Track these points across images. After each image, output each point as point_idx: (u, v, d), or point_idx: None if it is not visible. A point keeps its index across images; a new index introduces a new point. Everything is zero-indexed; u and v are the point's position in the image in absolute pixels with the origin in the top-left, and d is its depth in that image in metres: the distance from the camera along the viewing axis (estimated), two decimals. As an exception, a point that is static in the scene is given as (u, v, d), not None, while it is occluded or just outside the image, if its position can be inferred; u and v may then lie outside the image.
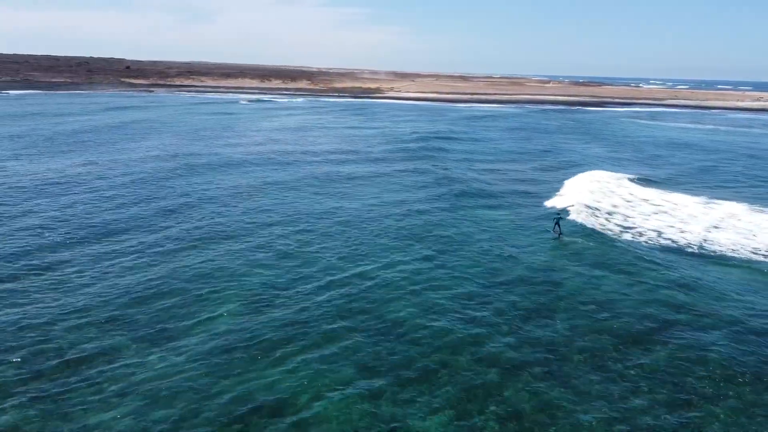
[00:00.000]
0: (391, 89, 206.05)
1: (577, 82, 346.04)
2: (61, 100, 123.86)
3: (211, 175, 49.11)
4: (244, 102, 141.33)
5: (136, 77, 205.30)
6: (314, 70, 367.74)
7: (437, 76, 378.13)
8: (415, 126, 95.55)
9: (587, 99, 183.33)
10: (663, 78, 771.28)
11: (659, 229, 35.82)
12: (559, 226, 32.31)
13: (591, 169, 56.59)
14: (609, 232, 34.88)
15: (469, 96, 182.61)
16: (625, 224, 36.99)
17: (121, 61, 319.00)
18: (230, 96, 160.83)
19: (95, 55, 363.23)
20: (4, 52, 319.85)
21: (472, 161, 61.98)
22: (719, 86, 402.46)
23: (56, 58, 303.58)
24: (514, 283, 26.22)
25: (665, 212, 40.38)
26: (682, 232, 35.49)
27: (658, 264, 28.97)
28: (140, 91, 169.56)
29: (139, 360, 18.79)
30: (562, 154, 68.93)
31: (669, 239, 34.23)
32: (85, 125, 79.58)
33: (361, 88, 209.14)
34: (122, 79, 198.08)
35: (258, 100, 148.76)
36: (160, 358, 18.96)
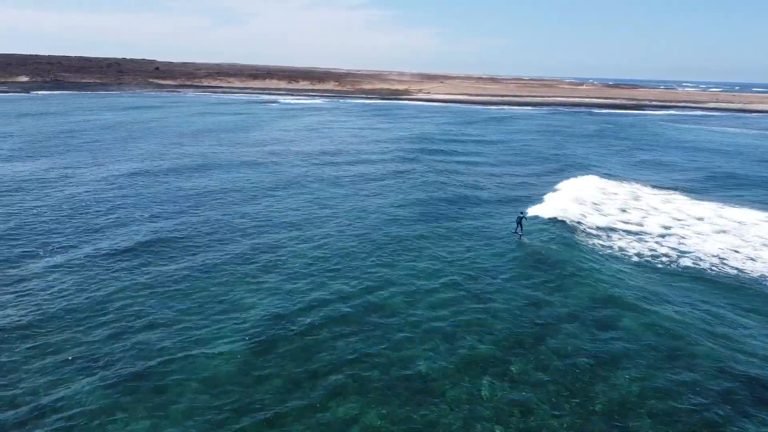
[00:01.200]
0: (420, 91, 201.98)
1: (608, 85, 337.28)
2: (82, 100, 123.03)
3: (187, 178, 46.89)
4: (265, 102, 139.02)
5: (164, 78, 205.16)
6: (342, 71, 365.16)
7: (466, 78, 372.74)
8: (442, 128, 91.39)
9: (624, 102, 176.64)
10: (695, 81, 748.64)
11: (720, 255, 31.42)
12: (521, 225, 31.26)
13: (635, 178, 52.05)
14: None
15: (500, 98, 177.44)
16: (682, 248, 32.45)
17: (152, 62, 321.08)
18: (254, 97, 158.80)
19: (129, 57, 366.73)
20: (41, 53, 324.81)
21: (504, 165, 57.72)
22: (754, 89, 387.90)
23: (89, 60, 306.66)
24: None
25: (725, 231, 35.70)
26: (752, 259, 30.88)
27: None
28: (167, 91, 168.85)
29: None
30: (606, 162, 64.24)
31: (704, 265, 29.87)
32: (84, 125, 78.63)
33: (388, 89, 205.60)
34: (150, 80, 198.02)
35: (276, 101, 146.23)
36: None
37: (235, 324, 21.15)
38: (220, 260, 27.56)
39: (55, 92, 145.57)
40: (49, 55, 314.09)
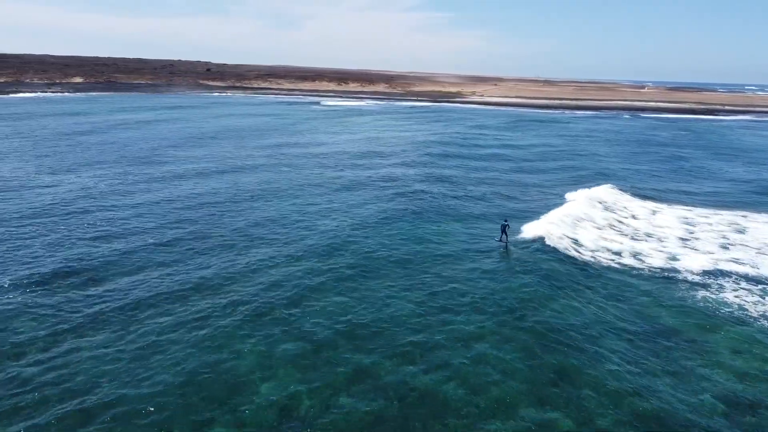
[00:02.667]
0: (473, 93, 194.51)
1: (670, 88, 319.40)
2: (124, 100, 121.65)
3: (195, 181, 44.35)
4: (307, 104, 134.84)
5: (213, 79, 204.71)
6: (394, 74, 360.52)
7: (520, 80, 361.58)
8: (498, 135, 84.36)
9: (693, 106, 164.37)
10: (761, 84, 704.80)
11: None
12: (506, 234, 29.38)
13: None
14: None
15: (558, 101, 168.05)
16: None
17: (206, 64, 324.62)
18: (299, 98, 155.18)
19: (185, 59, 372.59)
20: (108, 55, 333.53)
21: (579, 182, 50.53)
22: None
23: (145, 61, 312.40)
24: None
25: None
26: None
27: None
28: (215, 92, 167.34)
29: None
30: (700, 175, 56.32)
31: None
32: (94, 125, 76.71)
33: (440, 91, 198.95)
34: (200, 82, 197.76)
35: (319, 103, 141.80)
36: None
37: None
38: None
39: (105, 93, 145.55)
40: (108, 57, 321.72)
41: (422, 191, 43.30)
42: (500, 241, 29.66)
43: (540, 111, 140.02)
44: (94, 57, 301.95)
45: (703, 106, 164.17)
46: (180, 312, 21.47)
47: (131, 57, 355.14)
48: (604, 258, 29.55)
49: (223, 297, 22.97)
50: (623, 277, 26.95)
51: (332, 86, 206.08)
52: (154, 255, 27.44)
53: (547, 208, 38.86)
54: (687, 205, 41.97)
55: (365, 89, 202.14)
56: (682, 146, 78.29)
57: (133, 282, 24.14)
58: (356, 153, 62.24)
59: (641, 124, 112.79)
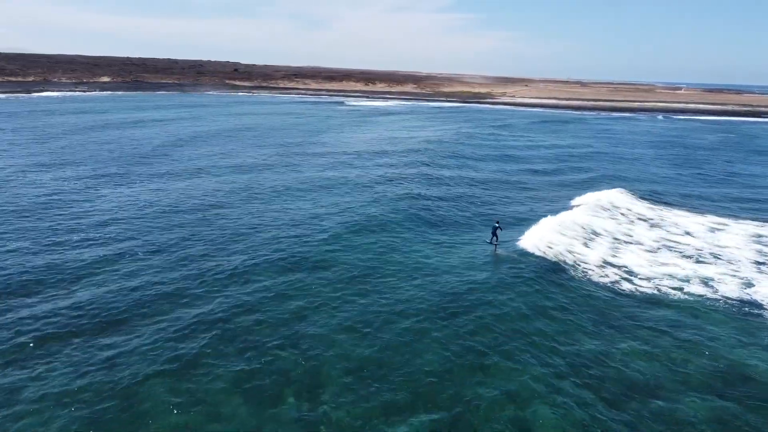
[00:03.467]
0: (503, 94, 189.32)
1: (708, 90, 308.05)
2: (145, 99, 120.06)
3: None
4: (331, 104, 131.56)
5: (240, 79, 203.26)
6: (422, 74, 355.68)
7: (551, 81, 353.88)
8: (530, 137, 79.72)
9: (736, 108, 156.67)
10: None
11: None
12: (496, 235, 28.27)
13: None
14: None
15: (593, 103, 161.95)
16: None
17: (235, 64, 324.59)
18: (325, 98, 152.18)
19: (215, 59, 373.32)
20: (140, 56, 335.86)
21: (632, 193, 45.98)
22: None
23: (175, 61, 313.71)
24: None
25: None
26: None
27: None
28: (241, 92, 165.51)
29: None
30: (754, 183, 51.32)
31: None
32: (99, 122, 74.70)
33: (470, 92, 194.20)
34: (227, 81, 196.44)
35: (343, 103, 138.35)
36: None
37: None
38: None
39: (130, 92, 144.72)
40: (138, 57, 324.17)
41: (433, 197, 39.75)
42: (490, 242, 28.49)
43: (574, 112, 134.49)
44: (124, 57, 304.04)
45: (746, 108, 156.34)
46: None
47: (161, 57, 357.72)
48: (612, 275, 25.93)
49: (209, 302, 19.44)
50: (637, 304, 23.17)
51: (359, 86, 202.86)
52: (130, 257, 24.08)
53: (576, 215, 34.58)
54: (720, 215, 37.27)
55: (393, 90, 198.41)
56: (732, 150, 72.71)
57: (133, 285, 20.77)
58: (370, 152, 59.28)
59: (682, 127, 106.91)
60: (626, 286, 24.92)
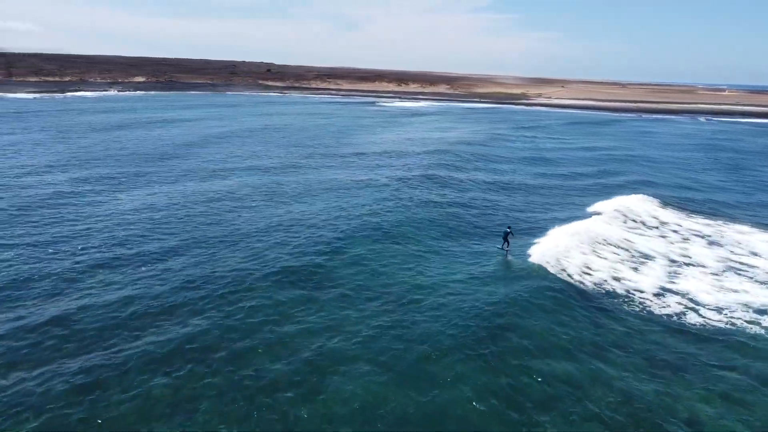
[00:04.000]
0: (539, 95, 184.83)
1: (753, 91, 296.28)
2: (174, 99, 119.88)
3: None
4: (361, 104, 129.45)
5: (273, 80, 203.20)
6: (455, 75, 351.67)
7: (589, 82, 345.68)
8: (568, 141, 76.22)
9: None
10: None
11: None
12: (508, 241, 27.30)
13: None
14: None
15: (632, 104, 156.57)
16: None
17: (269, 65, 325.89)
18: (356, 99, 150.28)
19: (249, 60, 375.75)
20: (176, 56, 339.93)
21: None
22: None
23: (209, 62, 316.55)
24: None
25: None
26: None
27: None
28: (273, 92, 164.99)
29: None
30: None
31: None
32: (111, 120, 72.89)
33: (504, 93, 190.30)
34: (260, 82, 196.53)
35: (375, 104, 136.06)
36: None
37: None
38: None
39: (163, 92, 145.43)
40: (174, 58, 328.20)
41: (456, 203, 37.32)
42: (502, 248, 27.43)
43: (613, 114, 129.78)
44: (160, 58, 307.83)
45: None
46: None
47: (196, 58, 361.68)
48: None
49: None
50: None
51: (391, 87, 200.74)
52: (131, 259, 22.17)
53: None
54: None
55: (425, 90, 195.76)
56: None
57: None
58: (395, 152, 57.29)
59: (728, 130, 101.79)
60: (689, 318, 21.86)
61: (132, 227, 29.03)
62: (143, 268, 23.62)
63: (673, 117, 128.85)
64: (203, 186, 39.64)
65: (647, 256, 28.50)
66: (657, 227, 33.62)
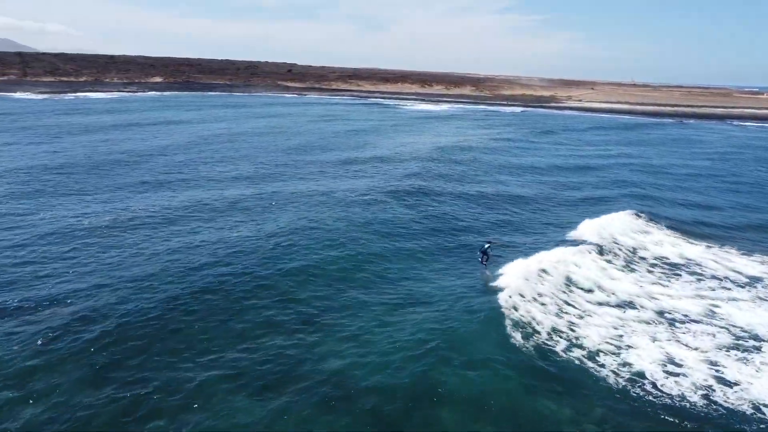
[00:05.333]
0: (569, 98, 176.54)
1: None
2: (192, 100, 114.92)
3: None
4: (371, 104, 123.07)
5: (293, 80, 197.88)
6: (480, 76, 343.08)
7: (617, 85, 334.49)
8: (612, 152, 69.00)
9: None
10: None
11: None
12: (487, 255, 25.38)
13: None
14: None
15: (671, 108, 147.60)
16: None
17: (292, 65, 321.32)
18: (380, 100, 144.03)
19: (275, 60, 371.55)
20: (203, 56, 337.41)
21: None
22: None
23: (232, 62, 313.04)
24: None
25: None
26: None
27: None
28: (291, 93, 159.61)
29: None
30: None
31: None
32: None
33: (532, 95, 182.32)
34: (279, 83, 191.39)
35: (394, 106, 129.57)
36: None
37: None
38: None
39: (179, 92, 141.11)
40: (197, 58, 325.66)
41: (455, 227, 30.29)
42: (482, 263, 25.71)
43: (652, 119, 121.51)
44: (182, 58, 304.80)
45: None
46: None
47: (220, 59, 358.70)
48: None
49: None
50: None
51: (415, 88, 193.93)
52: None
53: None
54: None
55: (449, 92, 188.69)
56: None
57: None
58: (396, 160, 50.32)
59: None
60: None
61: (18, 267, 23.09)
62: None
63: (717, 122, 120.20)
64: (138, 203, 34.27)
65: (622, 305, 22.84)
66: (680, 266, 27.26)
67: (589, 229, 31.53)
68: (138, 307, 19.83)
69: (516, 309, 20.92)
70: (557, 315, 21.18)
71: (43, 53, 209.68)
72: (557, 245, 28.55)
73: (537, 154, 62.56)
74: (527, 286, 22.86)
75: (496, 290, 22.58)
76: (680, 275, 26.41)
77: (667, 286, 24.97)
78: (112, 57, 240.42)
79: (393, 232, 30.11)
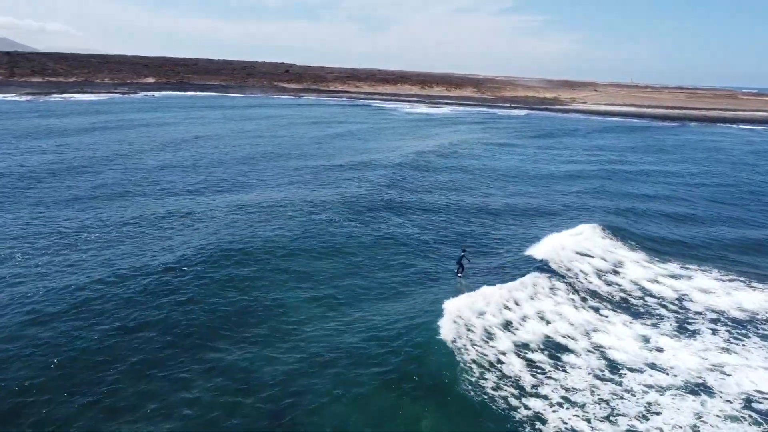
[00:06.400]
0: (573, 100, 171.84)
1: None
2: (179, 101, 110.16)
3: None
4: (364, 107, 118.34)
5: (289, 81, 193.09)
6: (481, 77, 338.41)
7: (617, 86, 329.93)
8: (633, 161, 64.45)
9: None
10: None
11: None
12: (461, 265, 24.40)
13: None
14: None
15: (679, 111, 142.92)
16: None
17: (290, 65, 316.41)
18: (379, 102, 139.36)
19: (277, 61, 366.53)
20: (203, 56, 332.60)
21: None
22: None
23: (229, 62, 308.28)
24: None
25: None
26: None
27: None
28: (286, 95, 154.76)
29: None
30: None
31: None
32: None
33: (535, 97, 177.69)
34: (275, 83, 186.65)
35: (394, 109, 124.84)
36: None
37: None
38: None
39: (170, 93, 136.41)
40: (193, 58, 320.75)
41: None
42: (457, 273, 24.67)
43: (663, 123, 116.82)
44: (178, 58, 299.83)
45: None
46: None
47: (217, 59, 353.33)
48: None
49: None
50: None
51: (415, 90, 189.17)
52: None
53: None
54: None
55: (451, 93, 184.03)
56: None
57: None
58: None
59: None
60: None
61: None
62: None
63: (728, 126, 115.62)
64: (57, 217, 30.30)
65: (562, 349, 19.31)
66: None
67: (548, 247, 27.95)
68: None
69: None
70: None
71: (33, 52, 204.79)
72: (506, 272, 25.22)
73: (549, 160, 58.09)
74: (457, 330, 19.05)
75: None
76: (630, 307, 23.08)
77: (612, 323, 21.27)
78: (105, 57, 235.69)
79: (331, 250, 26.77)
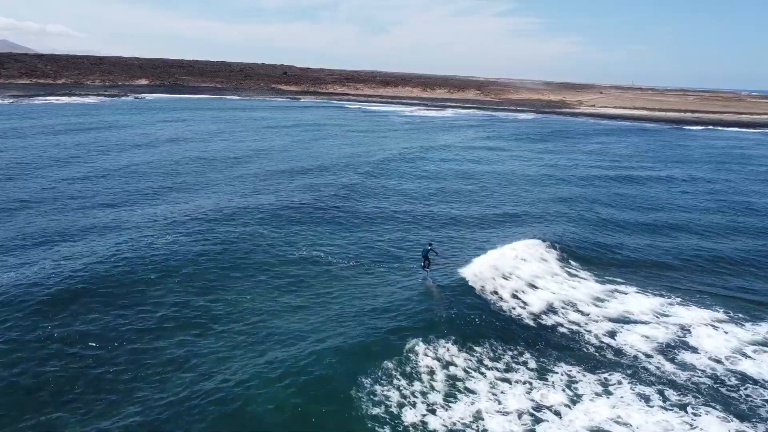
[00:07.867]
0: (580, 103, 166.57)
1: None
2: (169, 103, 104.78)
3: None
4: (346, 108, 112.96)
5: (287, 84, 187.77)
6: (482, 79, 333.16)
7: (623, 88, 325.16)
8: (662, 175, 59.27)
9: None
10: None
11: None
12: (428, 259, 23.78)
13: None
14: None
15: (692, 115, 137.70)
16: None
17: (289, 67, 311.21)
18: (379, 105, 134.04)
19: (277, 63, 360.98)
20: (203, 58, 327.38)
21: None
22: None
23: (228, 64, 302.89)
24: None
25: None
26: None
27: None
28: (283, 97, 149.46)
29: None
30: None
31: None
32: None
33: (541, 100, 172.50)
34: (272, 86, 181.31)
35: (393, 112, 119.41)
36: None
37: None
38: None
39: (162, 95, 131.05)
40: (191, 60, 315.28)
41: None
42: (424, 268, 23.78)
43: (683, 127, 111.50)
44: (175, 59, 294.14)
45: None
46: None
47: (215, 60, 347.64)
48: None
49: None
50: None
51: (416, 92, 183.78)
52: None
53: None
54: None
55: (453, 96, 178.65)
56: None
57: None
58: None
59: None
60: None
61: None
62: None
63: (742, 130, 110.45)
64: None
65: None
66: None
67: (483, 266, 25.45)
68: None
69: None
70: None
71: (23, 53, 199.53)
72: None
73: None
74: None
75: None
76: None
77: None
78: (100, 58, 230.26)
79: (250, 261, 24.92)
